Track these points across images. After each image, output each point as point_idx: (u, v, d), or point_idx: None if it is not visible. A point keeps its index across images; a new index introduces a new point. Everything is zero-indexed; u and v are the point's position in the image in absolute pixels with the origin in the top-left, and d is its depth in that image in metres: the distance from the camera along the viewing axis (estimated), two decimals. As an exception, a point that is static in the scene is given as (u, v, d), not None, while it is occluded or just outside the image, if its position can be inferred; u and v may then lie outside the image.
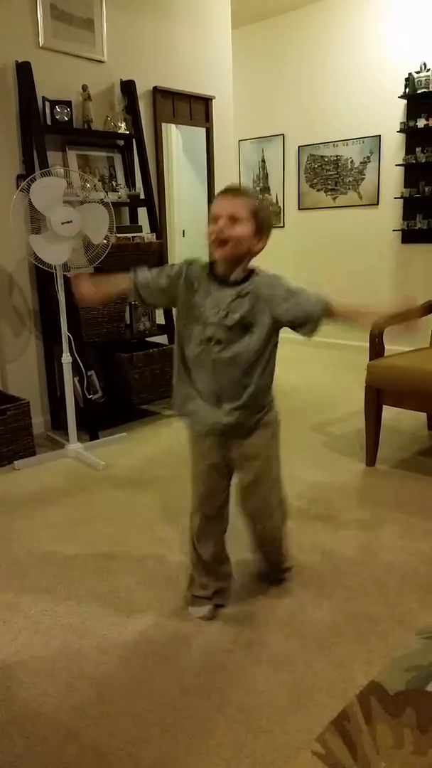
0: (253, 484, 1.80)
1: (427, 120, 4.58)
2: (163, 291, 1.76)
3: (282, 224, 5.74)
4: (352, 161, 5.19)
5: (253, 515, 1.85)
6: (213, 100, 4.13)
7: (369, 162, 5.09)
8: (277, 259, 5.50)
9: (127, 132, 3.54)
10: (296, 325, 1.66)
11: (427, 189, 4.70)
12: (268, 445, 1.80)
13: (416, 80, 4.60)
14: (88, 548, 2.25)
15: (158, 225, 3.70)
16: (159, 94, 3.81)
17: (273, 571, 2.00)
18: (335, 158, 5.30)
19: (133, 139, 3.61)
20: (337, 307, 1.65)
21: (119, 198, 3.49)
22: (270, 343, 1.70)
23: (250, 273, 1.69)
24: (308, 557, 2.12)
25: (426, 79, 4.55)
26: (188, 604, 1.88)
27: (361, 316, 1.71)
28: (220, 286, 1.68)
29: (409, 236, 4.93)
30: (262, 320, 1.66)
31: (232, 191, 1.67)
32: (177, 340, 1.78)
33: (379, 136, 4.98)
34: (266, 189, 5.85)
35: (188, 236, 4.26)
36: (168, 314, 3.73)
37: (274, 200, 5.79)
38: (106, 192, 3.36)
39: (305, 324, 1.65)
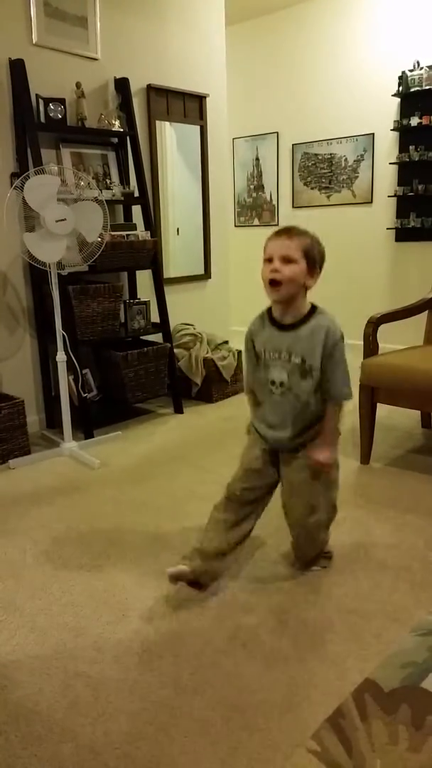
0: (290, 494, 1.93)
1: (421, 118, 4.59)
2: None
3: (276, 222, 5.74)
4: (345, 159, 5.20)
5: (291, 522, 1.98)
6: (207, 98, 4.13)
7: (363, 160, 5.09)
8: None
9: (121, 130, 3.53)
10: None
11: (420, 187, 4.70)
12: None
13: (410, 78, 4.60)
14: (83, 547, 2.25)
15: (152, 223, 3.70)
16: (153, 91, 3.81)
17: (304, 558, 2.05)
18: (329, 156, 5.30)
19: (127, 137, 3.60)
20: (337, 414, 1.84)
21: (113, 196, 3.48)
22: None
23: (310, 313, 1.79)
24: (303, 555, 2.13)
25: (419, 78, 4.55)
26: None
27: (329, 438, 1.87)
28: (279, 331, 1.80)
29: (402, 234, 4.94)
30: (317, 364, 1.77)
31: (285, 232, 1.73)
32: (247, 384, 1.99)
33: (373, 134, 4.99)
34: (260, 187, 5.85)
35: (183, 234, 4.25)
36: (163, 312, 3.72)
37: (268, 198, 5.79)
38: (100, 190, 3.35)
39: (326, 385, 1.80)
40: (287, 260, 1.71)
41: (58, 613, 1.87)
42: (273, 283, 1.72)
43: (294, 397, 1.81)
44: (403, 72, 4.62)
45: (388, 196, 4.95)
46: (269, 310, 1.84)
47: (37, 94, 3.19)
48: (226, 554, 1.92)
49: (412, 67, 4.60)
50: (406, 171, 4.81)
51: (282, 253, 1.71)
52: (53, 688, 1.56)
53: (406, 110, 4.70)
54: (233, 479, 1.96)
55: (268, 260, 1.74)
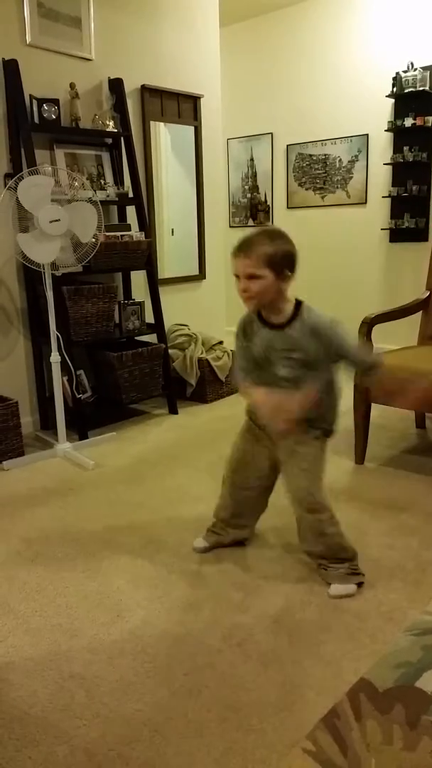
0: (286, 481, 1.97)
1: (415, 119, 4.60)
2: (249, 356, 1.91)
3: (271, 222, 5.75)
4: (340, 160, 5.21)
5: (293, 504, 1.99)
6: (201, 99, 4.13)
7: (357, 161, 5.10)
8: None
9: (116, 130, 3.53)
10: (341, 362, 1.84)
11: (414, 188, 4.72)
12: (305, 458, 1.90)
13: (403, 79, 4.61)
14: (77, 548, 2.24)
15: (147, 224, 3.70)
16: (147, 92, 3.80)
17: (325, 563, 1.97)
18: (323, 157, 5.31)
19: (122, 138, 3.60)
20: (383, 373, 1.88)
21: (107, 196, 3.47)
22: (329, 372, 1.84)
23: (296, 310, 1.79)
24: (297, 555, 2.13)
25: (413, 79, 4.56)
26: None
27: (401, 393, 1.93)
28: (271, 330, 1.82)
29: (396, 235, 4.95)
30: (317, 356, 1.78)
31: (243, 249, 1.73)
32: (239, 369, 1.97)
33: (367, 135, 5.00)
34: (255, 188, 5.86)
35: (177, 235, 4.25)
36: (158, 313, 3.72)
37: (263, 199, 5.80)
38: (95, 190, 3.34)
39: (351, 365, 1.86)
40: (252, 277, 1.72)
41: (53, 615, 1.86)
42: (247, 300, 1.77)
43: (305, 384, 1.81)
44: (397, 73, 4.64)
45: (383, 197, 4.96)
46: (258, 312, 1.86)
47: (30, 95, 3.18)
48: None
49: (406, 69, 4.61)
50: (400, 172, 4.82)
51: (246, 272, 1.73)
52: (48, 690, 1.56)
53: (400, 111, 4.72)
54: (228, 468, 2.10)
55: (237, 279, 1.76)
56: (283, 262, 1.73)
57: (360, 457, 2.93)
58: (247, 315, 1.90)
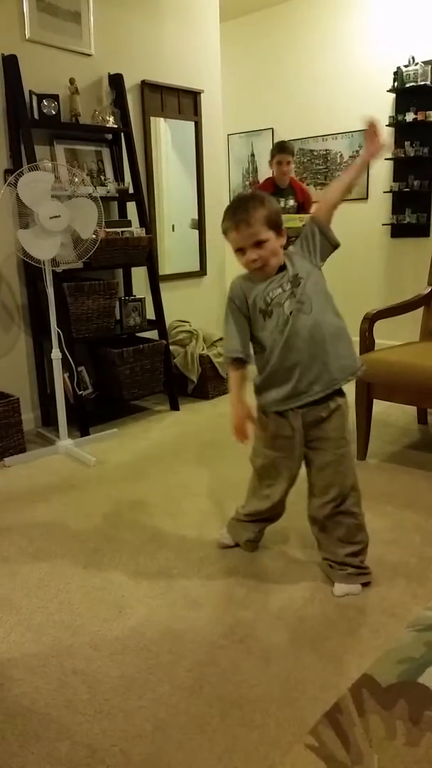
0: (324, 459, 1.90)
1: (416, 114, 4.59)
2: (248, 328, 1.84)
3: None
4: (341, 155, 5.19)
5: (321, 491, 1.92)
6: (201, 94, 4.11)
7: (358, 156, 5.09)
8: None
9: (116, 126, 3.52)
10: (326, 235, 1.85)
11: (416, 183, 4.70)
12: (341, 425, 1.84)
13: (405, 74, 4.59)
14: (79, 544, 2.24)
15: (147, 219, 3.69)
16: (147, 87, 3.79)
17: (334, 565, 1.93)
18: (324, 152, 5.29)
19: (122, 133, 3.59)
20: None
21: (108, 192, 3.47)
22: (323, 281, 1.83)
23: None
24: (299, 551, 2.12)
25: (414, 73, 4.55)
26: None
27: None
28: (268, 281, 1.77)
29: (398, 230, 4.93)
30: (309, 271, 1.78)
31: (243, 219, 1.69)
32: (259, 349, 1.84)
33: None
34: (256, 183, 5.84)
35: (177, 231, 4.24)
36: (158, 309, 3.72)
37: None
38: (95, 186, 3.34)
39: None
40: (259, 242, 1.70)
41: (55, 611, 1.86)
42: (260, 268, 1.74)
43: (304, 321, 1.74)
44: (399, 68, 4.62)
45: (384, 192, 4.95)
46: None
47: (30, 90, 3.17)
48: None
49: (407, 63, 4.59)
50: (401, 167, 4.80)
51: (251, 241, 1.70)
52: (50, 686, 1.56)
53: (401, 106, 4.70)
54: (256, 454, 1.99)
55: (241, 252, 1.73)
56: (278, 219, 1.74)
57: (362, 453, 2.92)
58: (237, 285, 1.83)
